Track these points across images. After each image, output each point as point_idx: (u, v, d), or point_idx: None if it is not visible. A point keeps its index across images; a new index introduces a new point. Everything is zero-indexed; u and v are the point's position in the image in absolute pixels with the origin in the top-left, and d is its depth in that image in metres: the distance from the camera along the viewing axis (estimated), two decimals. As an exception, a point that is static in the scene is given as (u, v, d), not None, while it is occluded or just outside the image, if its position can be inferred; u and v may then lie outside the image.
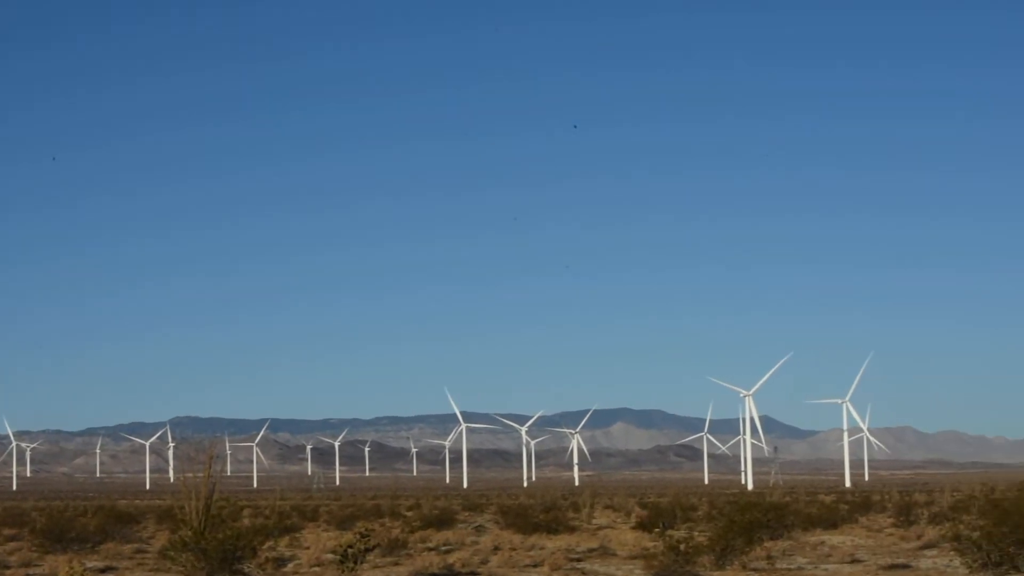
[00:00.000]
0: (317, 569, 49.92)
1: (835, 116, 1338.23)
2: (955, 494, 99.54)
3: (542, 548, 59.37)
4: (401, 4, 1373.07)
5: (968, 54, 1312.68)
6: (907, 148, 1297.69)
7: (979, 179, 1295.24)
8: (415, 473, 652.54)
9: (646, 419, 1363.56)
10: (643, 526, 70.70)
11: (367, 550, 42.24)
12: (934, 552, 54.28)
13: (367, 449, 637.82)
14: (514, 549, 58.74)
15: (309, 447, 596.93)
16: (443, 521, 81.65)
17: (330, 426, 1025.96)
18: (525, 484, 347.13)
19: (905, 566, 48.67)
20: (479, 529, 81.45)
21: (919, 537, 62.78)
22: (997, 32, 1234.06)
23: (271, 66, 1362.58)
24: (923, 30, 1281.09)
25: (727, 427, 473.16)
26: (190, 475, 43.15)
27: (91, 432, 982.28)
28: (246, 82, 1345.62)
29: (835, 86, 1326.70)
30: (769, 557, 51.03)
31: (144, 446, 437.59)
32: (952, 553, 45.18)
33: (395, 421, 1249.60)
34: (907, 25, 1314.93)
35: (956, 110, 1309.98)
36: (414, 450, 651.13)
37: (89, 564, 47.73)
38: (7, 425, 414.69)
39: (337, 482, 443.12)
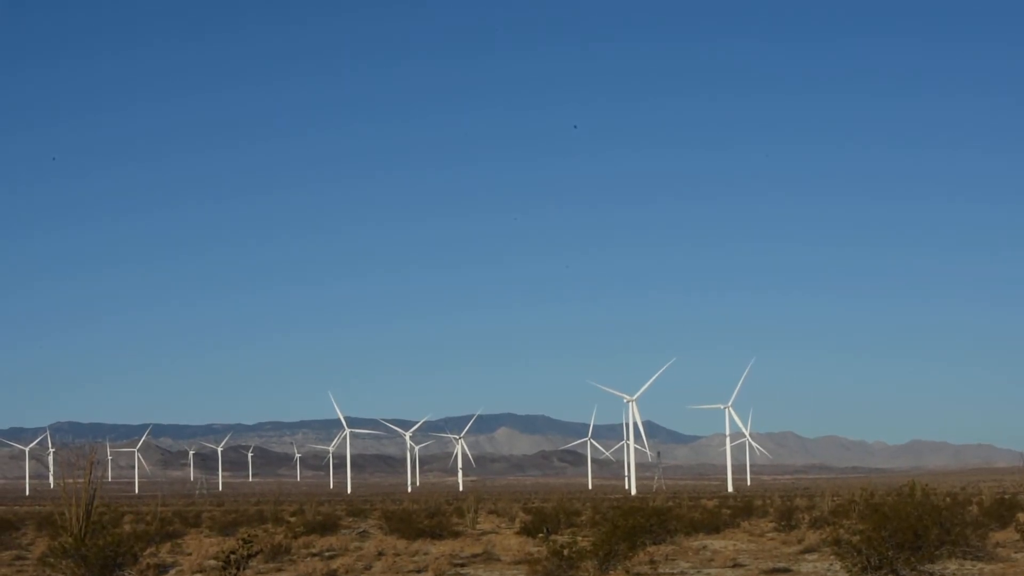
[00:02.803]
0: (199, 575, 49.55)
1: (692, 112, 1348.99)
2: (835, 499, 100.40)
3: (426, 554, 59.28)
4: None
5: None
6: (782, 172, 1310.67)
7: (858, 203, 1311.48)
8: (299, 479, 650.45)
9: (530, 424, 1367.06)
10: (527, 531, 70.71)
11: (250, 556, 41.89)
12: (815, 556, 54.78)
13: (250, 455, 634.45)
14: (398, 555, 58.62)
15: (192, 452, 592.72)
16: (326, 527, 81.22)
17: (213, 431, 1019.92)
18: (409, 489, 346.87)
19: (786, 570, 49.08)
20: (363, 535, 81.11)
21: (800, 541, 63.33)
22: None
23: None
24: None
25: (611, 432, 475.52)
26: (70, 481, 42.65)
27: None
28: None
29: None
30: (652, 562, 51.26)
31: (24, 452, 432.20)
32: (832, 557, 45.61)
33: (279, 426, 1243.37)
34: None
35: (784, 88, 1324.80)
36: (298, 455, 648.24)
37: (-34, 571, 47.07)
38: None
39: (220, 488, 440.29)
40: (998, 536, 61.01)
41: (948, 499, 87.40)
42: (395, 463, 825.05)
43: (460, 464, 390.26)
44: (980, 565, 48.02)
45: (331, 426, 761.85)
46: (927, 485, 46.49)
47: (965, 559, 48.78)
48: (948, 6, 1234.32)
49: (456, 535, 73.26)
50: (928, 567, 40.67)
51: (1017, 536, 60.34)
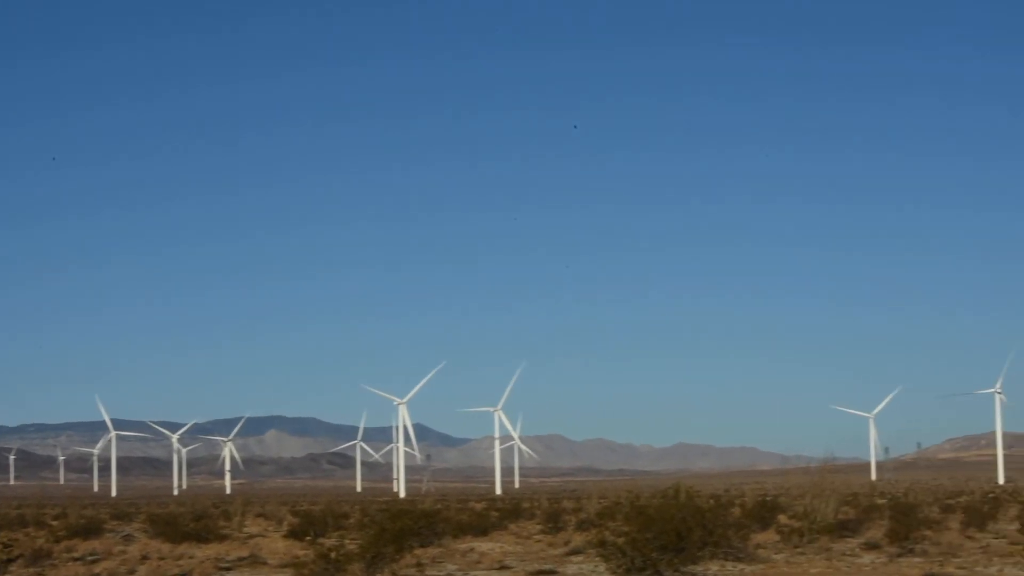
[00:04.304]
0: (-45, 581, 48.39)
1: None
2: (602, 501, 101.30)
3: (191, 557, 58.64)
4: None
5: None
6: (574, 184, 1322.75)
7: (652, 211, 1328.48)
8: (62, 482, 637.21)
9: (299, 427, 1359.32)
10: (294, 534, 70.38)
11: (10, 560, 41.06)
12: (580, 558, 55.31)
13: (12, 457, 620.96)
14: (163, 558, 57.90)
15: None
16: (90, 530, 79.86)
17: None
18: (176, 492, 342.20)
19: (552, 572, 49.49)
20: (127, 538, 79.88)
21: (566, 543, 63.93)
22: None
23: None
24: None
25: (381, 435, 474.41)
26: None
27: None
28: None
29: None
30: (419, 564, 51.32)
31: None
32: (598, 559, 46.09)
33: (42, 428, 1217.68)
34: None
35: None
36: (61, 458, 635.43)
37: None
38: None
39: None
40: (759, 537, 62.24)
41: (712, 501, 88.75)
42: (162, 466, 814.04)
43: (228, 467, 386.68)
44: (741, 566, 48.94)
45: (97, 428, 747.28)
46: (691, 487, 47.15)
47: (727, 560, 49.67)
48: (948, 8, 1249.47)
49: (222, 538, 72.55)
50: (691, 568, 41.31)
51: (778, 537, 61.62)
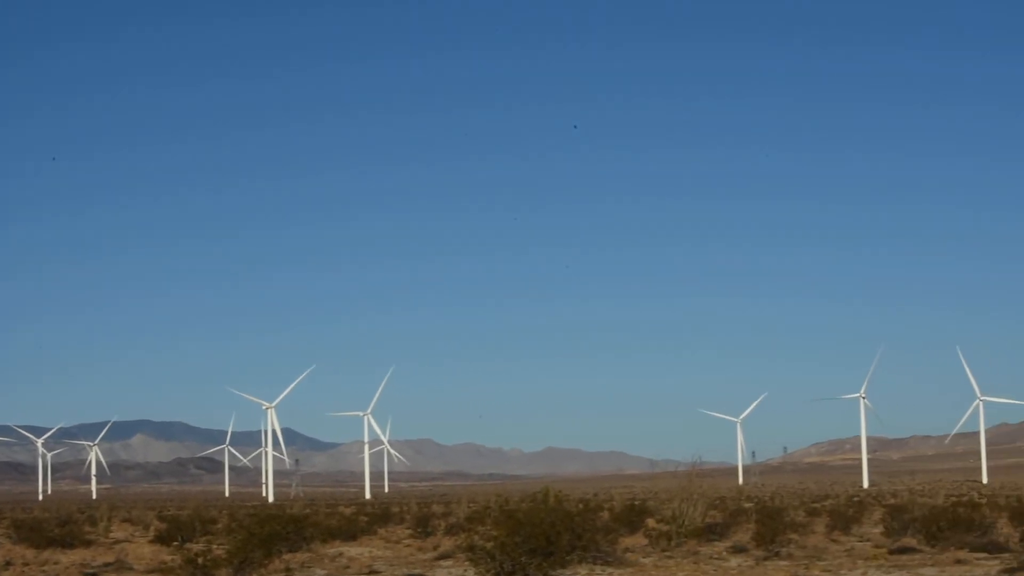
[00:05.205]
0: None
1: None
2: (471, 505, 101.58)
3: (56, 563, 57.90)
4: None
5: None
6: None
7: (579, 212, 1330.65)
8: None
9: (167, 431, 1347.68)
10: (161, 540, 69.76)
11: None
12: (450, 562, 55.31)
13: None
14: (27, 564, 57.14)
15: None
16: (-49, 536, 78.66)
17: None
18: (40, 497, 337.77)
19: (421, 576, 49.50)
20: (-10, 544, 78.72)
21: (436, 548, 63.90)
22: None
23: None
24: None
25: (249, 439, 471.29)
26: None
27: None
28: None
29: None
30: (288, 569, 51.06)
31: None
32: (467, 563, 46.11)
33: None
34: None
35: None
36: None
37: None
38: None
39: None
40: (628, 541, 62.64)
41: (580, 505, 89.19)
42: (27, 470, 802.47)
43: (94, 472, 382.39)
44: (610, 570, 49.20)
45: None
46: (560, 491, 47.28)
47: (595, 564, 49.90)
48: (948, 9, 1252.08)
49: (88, 544, 71.73)
50: (559, 572, 41.41)
51: (646, 541, 62.02)
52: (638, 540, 63.79)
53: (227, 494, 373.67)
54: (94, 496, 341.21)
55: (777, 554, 55.42)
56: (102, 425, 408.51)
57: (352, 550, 65.73)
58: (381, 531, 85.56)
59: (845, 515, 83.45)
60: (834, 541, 66.67)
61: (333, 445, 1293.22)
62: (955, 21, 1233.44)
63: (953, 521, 59.96)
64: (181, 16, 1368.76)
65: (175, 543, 62.46)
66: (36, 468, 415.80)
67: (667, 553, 56.70)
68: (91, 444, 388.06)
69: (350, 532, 77.65)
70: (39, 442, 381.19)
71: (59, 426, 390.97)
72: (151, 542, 72.26)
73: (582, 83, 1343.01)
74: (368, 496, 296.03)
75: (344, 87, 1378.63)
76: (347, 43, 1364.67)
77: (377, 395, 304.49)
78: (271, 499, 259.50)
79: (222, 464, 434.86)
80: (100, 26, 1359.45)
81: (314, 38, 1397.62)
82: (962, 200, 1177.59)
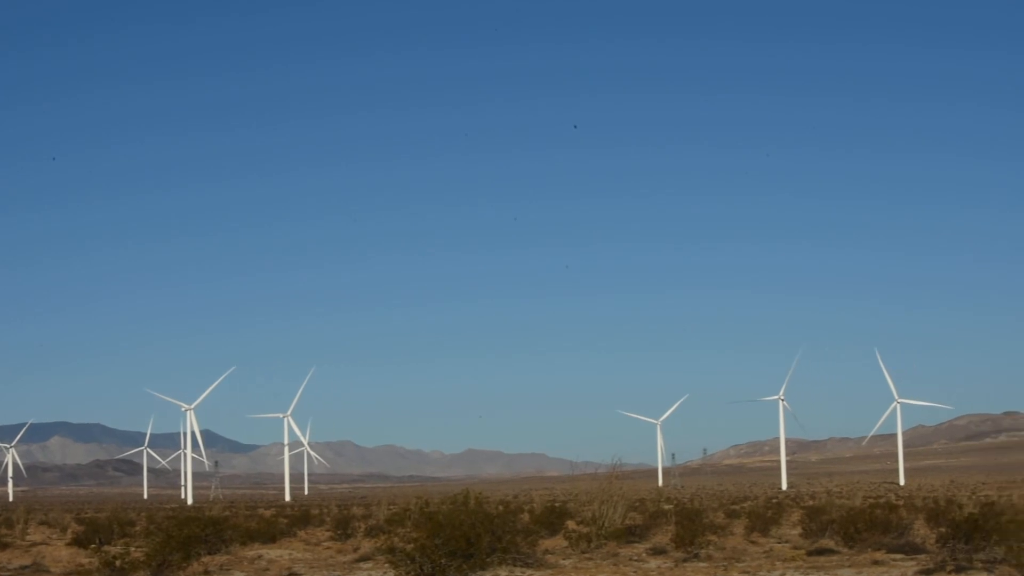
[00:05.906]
0: None
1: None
2: (391, 507, 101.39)
3: (-29, 566, 57.46)
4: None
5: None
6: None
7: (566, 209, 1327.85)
8: None
9: (85, 433, 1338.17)
10: (79, 542, 69.30)
11: None
12: (370, 564, 55.22)
13: None
14: (-59, 568, 56.67)
15: None
16: None
17: None
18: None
19: (341, 578, 49.39)
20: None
21: (356, 550, 63.76)
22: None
23: None
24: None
25: (168, 441, 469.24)
26: None
27: None
28: None
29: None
30: (206, 572, 50.85)
31: None
32: (387, 565, 46.04)
33: None
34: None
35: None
36: None
37: None
38: None
39: None
40: (548, 543, 62.72)
41: (501, 507, 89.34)
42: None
43: (11, 474, 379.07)
44: (530, 571, 49.25)
45: None
46: (481, 493, 47.33)
47: (515, 566, 49.95)
48: (948, 10, 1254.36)
49: (4, 546, 71.19)
50: (479, 574, 41.46)
51: (566, 543, 62.12)
52: (558, 542, 63.87)
53: (146, 496, 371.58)
54: (11, 499, 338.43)
55: (696, 556, 55.66)
56: (19, 427, 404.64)
57: (271, 552, 65.49)
58: (301, 533, 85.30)
59: (764, 517, 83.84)
60: (753, 543, 67.00)
61: (253, 447, 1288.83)
62: (955, 21, 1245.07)
63: (870, 522, 60.36)
64: (181, 16, 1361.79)
65: (93, 546, 62.05)
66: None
67: (587, 555, 56.82)
68: (7, 446, 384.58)
69: (269, 534, 77.34)
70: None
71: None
72: (68, 545, 71.79)
73: (582, 82, 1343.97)
74: (288, 498, 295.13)
75: (334, 84, 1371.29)
76: (344, 40, 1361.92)
77: (297, 397, 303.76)
78: (190, 501, 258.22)
79: (141, 466, 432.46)
80: (100, 26, 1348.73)
81: (311, 35, 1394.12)
82: (881, 198, 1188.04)
